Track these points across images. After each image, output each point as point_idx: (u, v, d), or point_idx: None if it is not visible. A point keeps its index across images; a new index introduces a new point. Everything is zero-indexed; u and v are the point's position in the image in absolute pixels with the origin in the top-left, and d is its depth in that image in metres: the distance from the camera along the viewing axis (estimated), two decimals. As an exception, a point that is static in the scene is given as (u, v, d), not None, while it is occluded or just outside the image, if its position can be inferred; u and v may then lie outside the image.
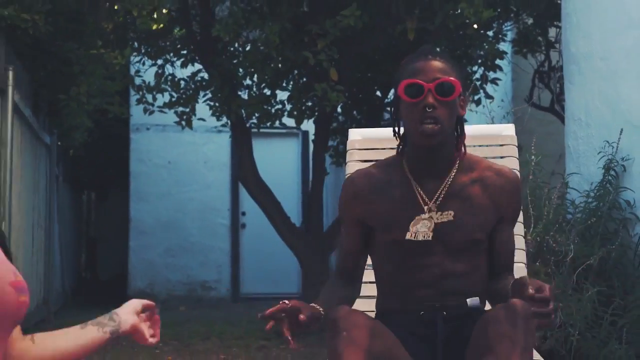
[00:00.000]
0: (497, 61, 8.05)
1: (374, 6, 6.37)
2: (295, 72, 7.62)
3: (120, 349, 6.42)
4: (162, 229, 12.38)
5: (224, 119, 8.22)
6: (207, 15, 7.47)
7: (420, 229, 2.41)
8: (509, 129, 3.92)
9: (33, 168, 8.49)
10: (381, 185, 2.51)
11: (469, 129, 3.83)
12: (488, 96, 7.97)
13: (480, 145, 3.80)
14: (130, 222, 12.43)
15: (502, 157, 3.80)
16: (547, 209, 4.89)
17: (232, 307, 11.29)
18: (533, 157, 4.97)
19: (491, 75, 8.07)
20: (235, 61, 7.68)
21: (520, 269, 3.45)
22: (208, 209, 12.41)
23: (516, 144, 3.88)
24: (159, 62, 8.34)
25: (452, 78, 2.39)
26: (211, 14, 7.51)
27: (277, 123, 8.08)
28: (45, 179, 9.44)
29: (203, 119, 8.44)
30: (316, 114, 7.49)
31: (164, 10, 6.80)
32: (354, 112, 8.84)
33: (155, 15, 6.68)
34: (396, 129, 2.54)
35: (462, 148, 2.51)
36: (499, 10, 7.11)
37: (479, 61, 7.72)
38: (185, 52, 8.26)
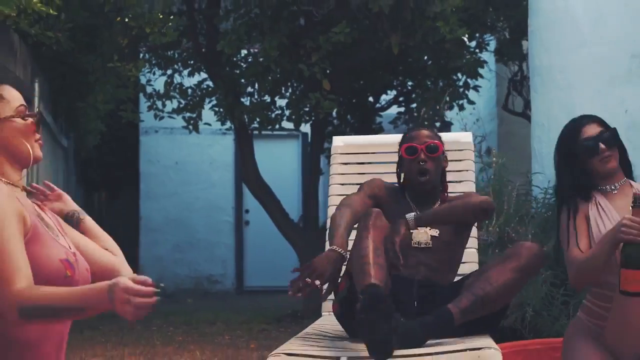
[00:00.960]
0: (480, 70, 8.76)
1: (362, 24, 7.07)
2: (292, 82, 8.31)
3: (136, 331, 7.12)
4: (171, 226, 12.98)
5: (228, 124, 8.93)
6: (212, 30, 8.19)
7: (422, 238, 3.39)
8: (467, 137, 4.68)
9: (53, 169, 9.20)
10: (394, 196, 3.52)
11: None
12: (470, 102, 8.67)
13: (441, 151, 4.55)
14: (140, 219, 13.04)
15: (460, 160, 4.55)
16: (508, 203, 5.60)
17: (237, 299, 11.89)
18: (494, 158, 5.66)
19: (473, 82, 8.77)
20: (237, 71, 8.37)
21: (473, 266, 4.21)
22: (213, 207, 12.96)
23: (472, 149, 4.63)
24: (169, 72, 9.07)
25: (437, 141, 3.53)
26: (216, 29, 8.21)
27: (277, 127, 8.79)
28: (63, 179, 10.15)
29: (209, 124, 9.15)
30: (312, 118, 8.19)
31: (171, 22, 7.53)
32: (348, 117, 9.53)
33: (164, 31, 7.41)
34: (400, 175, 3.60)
35: (446, 189, 3.59)
36: (482, 23, 7.83)
37: (462, 69, 8.39)
38: (192, 62, 8.98)
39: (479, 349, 2.77)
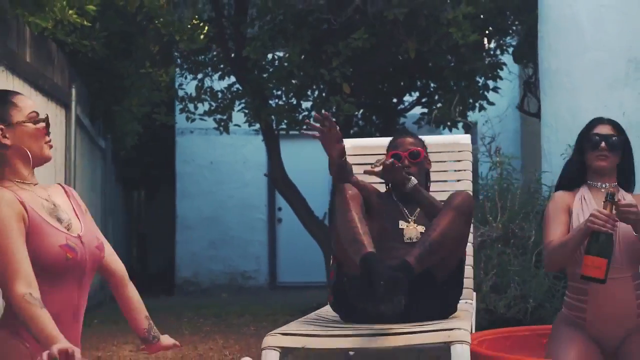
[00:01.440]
0: (501, 71, 9.04)
1: (380, 30, 7.41)
2: (314, 86, 8.68)
3: (168, 322, 7.53)
4: (205, 224, 13.36)
5: (257, 125, 9.33)
6: (239, 36, 8.59)
7: (413, 234, 3.71)
8: (465, 139, 5.00)
9: (91, 169, 9.68)
10: (382, 197, 3.87)
11: (434, 138, 5.06)
12: (489, 103, 8.96)
13: (441, 152, 4.90)
14: (176, 218, 13.44)
15: (459, 161, 4.88)
16: (512, 201, 5.92)
17: (269, 294, 12.20)
18: (497, 157, 5.98)
19: (493, 84, 9.06)
20: (265, 75, 8.76)
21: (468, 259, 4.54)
22: (247, 205, 13.28)
23: (470, 151, 4.95)
24: (199, 76, 9.49)
25: (419, 148, 3.92)
26: (243, 35, 8.60)
27: (304, 128, 9.15)
28: (100, 179, 10.63)
29: (238, 125, 9.55)
30: (334, 119, 8.54)
31: (203, 32, 7.95)
32: (373, 118, 9.87)
33: (194, 37, 7.82)
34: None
35: (428, 189, 3.95)
36: (492, 28, 8.13)
37: (480, 72, 8.68)
38: (222, 67, 9.39)
39: (451, 329, 3.11)
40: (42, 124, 2.74)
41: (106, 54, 7.81)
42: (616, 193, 3.38)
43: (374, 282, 3.19)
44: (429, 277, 3.45)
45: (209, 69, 9.44)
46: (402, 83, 8.99)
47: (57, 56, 7.38)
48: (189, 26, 7.49)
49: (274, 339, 3.18)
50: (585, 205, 3.57)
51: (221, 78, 9.47)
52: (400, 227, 3.72)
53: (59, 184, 2.94)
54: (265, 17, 7.93)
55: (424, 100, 9.68)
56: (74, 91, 7.66)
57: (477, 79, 8.99)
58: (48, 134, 2.76)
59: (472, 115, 10.04)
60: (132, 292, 2.97)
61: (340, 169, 3.72)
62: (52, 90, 7.08)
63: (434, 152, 4.86)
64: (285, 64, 8.01)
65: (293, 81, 8.05)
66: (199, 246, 13.29)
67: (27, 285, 2.49)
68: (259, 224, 13.41)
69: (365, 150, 4.97)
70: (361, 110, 9.54)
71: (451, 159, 4.85)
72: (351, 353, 4.43)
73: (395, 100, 9.78)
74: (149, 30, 8.11)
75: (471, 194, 3.80)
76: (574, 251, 3.41)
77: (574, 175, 3.71)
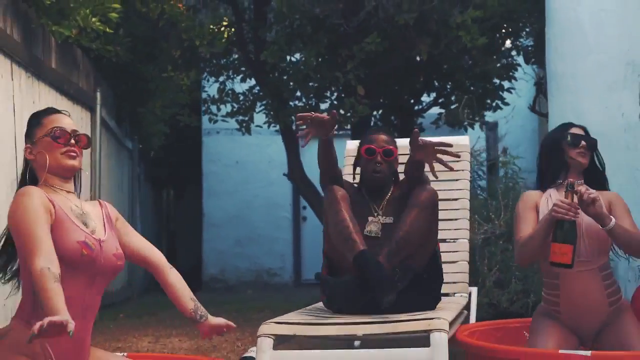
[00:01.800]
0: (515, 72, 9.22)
1: (392, 34, 7.65)
2: (333, 87, 8.93)
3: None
4: (232, 222, 13.64)
5: (277, 126, 9.60)
6: (258, 40, 8.87)
7: (373, 228, 3.92)
8: (464, 140, 5.22)
9: (117, 169, 10.00)
10: (353, 193, 4.04)
11: (433, 139, 5.25)
12: (504, 103, 9.16)
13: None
14: (203, 216, 13.73)
15: (457, 161, 5.09)
16: (515, 199, 6.13)
17: (294, 291, 12.28)
18: (501, 157, 6.19)
19: (508, 84, 9.25)
20: (285, 77, 9.03)
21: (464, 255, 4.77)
22: (272, 203, 13.52)
23: (469, 151, 5.17)
24: (221, 79, 9.78)
25: (392, 147, 4.04)
26: (262, 39, 8.88)
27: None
28: (127, 179, 10.95)
29: (260, 126, 9.84)
30: (351, 120, 8.80)
31: (223, 37, 8.23)
32: (392, 118, 10.09)
33: (215, 42, 8.11)
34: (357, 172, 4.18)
35: (398, 184, 4.11)
36: (504, 31, 8.34)
37: (493, 73, 8.87)
38: (243, 69, 9.68)
39: (431, 318, 3.35)
40: (61, 137, 2.99)
41: (130, 59, 8.11)
42: (576, 182, 3.61)
43: (369, 279, 3.46)
44: (409, 270, 3.69)
45: (231, 71, 9.73)
46: (417, 85, 9.20)
47: (82, 61, 7.69)
48: (209, 31, 7.76)
49: (268, 327, 3.43)
50: (551, 202, 3.79)
51: (243, 80, 9.76)
52: (367, 219, 3.93)
53: (97, 200, 3.22)
54: (284, 22, 8.18)
55: (440, 100, 9.89)
56: (98, 95, 7.96)
57: (493, 79, 9.17)
58: (68, 145, 3.00)
59: (493, 116, 10.25)
60: (173, 277, 3.14)
61: (330, 163, 3.94)
62: (78, 94, 7.40)
63: (432, 153, 5.11)
64: (302, 67, 8.27)
65: (310, 84, 8.29)
66: (225, 244, 13.56)
67: (47, 261, 2.69)
68: (284, 222, 13.64)
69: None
70: (380, 111, 9.78)
71: (449, 159, 5.05)
72: (357, 343, 4.69)
73: (412, 100, 9.99)
74: (171, 36, 8.40)
75: (433, 189, 3.92)
76: (542, 242, 3.62)
77: (558, 173, 3.94)
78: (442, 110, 9.77)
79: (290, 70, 8.66)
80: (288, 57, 8.64)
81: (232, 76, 9.80)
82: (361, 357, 3.40)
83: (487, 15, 7.42)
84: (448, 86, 9.65)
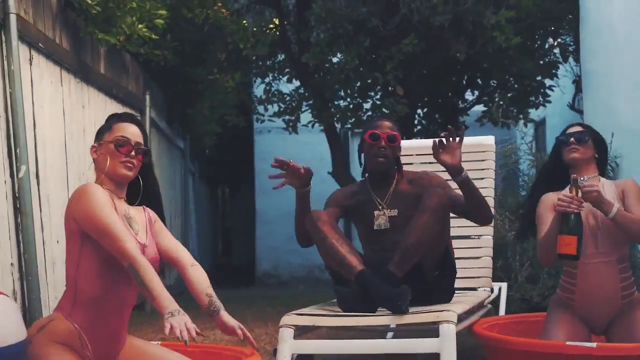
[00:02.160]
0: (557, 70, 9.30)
1: (429, 35, 7.82)
2: (378, 87, 9.13)
3: (233, 307, 8.05)
4: (284, 218, 13.76)
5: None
6: (301, 42, 9.12)
7: (381, 221, 4.04)
8: (489, 140, 5.38)
9: (169, 168, 10.33)
10: (357, 193, 4.23)
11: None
12: (546, 101, 9.25)
13: (466, 152, 5.28)
14: (256, 213, 14.03)
15: (482, 161, 5.26)
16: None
17: None
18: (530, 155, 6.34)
19: (549, 82, 9.34)
20: (329, 77, 9.26)
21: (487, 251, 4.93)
22: (322, 200, 13.44)
23: (494, 151, 5.32)
24: (267, 79, 10.06)
25: (396, 133, 4.14)
26: (305, 41, 9.12)
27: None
28: (180, 176, 11.29)
29: (306, 125, 10.09)
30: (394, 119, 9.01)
31: (267, 40, 8.49)
32: (436, 116, 10.24)
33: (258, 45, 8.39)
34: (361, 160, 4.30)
35: (400, 172, 4.21)
36: (542, 30, 8.45)
37: (532, 71, 8.96)
38: (288, 70, 9.94)
39: (440, 311, 3.56)
40: (123, 146, 3.18)
41: (178, 62, 8.42)
42: (579, 177, 3.77)
43: (374, 299, 3.61)
44: (419, 271, 3.87)
45: (276, 72, 10.00)
46: (459, 84, 9.34)
47: (131, 65, 8.02)
48: (253, 34, 8.03)
49: (290, 319, 3.67)
50: None
51: (289, 81, 10.02)
52: (374, 214, 4.10)
53: (143, 206, 3.36)
54: (325, 24, 8.41)
55: (485, 98, 10.00)
56: (147, 97, 8.28)
57: (536, 77, 9.26)
58: (128, 155, 3.17)
59: (538, 113, 10.33)
60: (193, 273, 3.26)
61: (303, 200, 4.17)
62: (127, 97, 7.72)
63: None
64: (344, 67, 8.48)
65: (351, 83, 8.51)
66: (278, 240, 13.74)
67: (135, 248, 2.97)
68: (335, 219, 13.81)
69: (415, 150, 5.39)
70: (425, 109, 9.94)
71: (475, 159, 5.23)
72: (389, 335, 4.88)
73: (455, 99, 10.12)
74: (217, 39, 8.69)
75: (444, 191, 4.02)
76: (555, 238, 3.79)
77: (550, 174, 4.12)
78: (486, 108, 9.89)
79: (332, 71, 8.88)
80: (331, 58, 8.86)
81: (278, 77, 10.06)
82: (375, 346, 3.61)
83: (522, 16, 7.55)
84: (493, 83, 9.75)
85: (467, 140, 5.46)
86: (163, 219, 3.40)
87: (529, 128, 10.39)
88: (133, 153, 3.18)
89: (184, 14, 7.73)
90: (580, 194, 3.70)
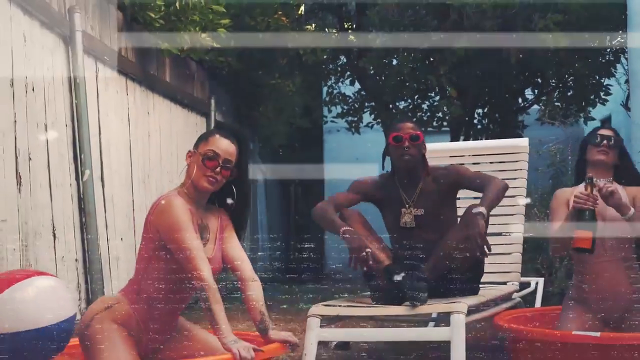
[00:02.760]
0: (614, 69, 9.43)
1: (480, 39, 8.07)
2: (437, 88, 9.42)
3: (287, 302, 8.37)
4: (352, 215, 14.23)
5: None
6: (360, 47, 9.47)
7: (407, 219, 4.35)
8: (523, 142, 5.62)
9: (239, 167, 10.71)
10: (383, 186, 4.50)
11: (493, 142, 5.68)
12: (601, 100, 9.40)
13: (499, 154, 5.56)
14: (326, 210, 14.36)
15: (516, 162, 5.51)
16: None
17: None
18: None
19: (606, 81, 9.48)
20: (386, 80, 9.57)
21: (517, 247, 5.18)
22: None
23: (527, 152, 5.55)
24: (330, 82, 10.45)
25: (418, 132, 4.40)
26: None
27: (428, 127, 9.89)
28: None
29: (368, 126, 10.44)
30: (447, 118, 9.29)
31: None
32: (496, 115, 10.45)
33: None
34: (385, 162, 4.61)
35: (426, 171, 4.45)
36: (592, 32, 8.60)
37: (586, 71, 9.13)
38: (349, 73, 10.31)
39: (452, 302, 3.87)
40: (209, 161, 3.32)
41: (242, 68, 8.82)
42: (594, 177, 3.99)
43: (399, 291, 3.93)
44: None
45: (338, 75, 10.38)
46: (514, 84, 9.55)
47: (196, 71, 8.47)
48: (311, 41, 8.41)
49: (317, 309, 4.03)
50: None
51: (351, 84, 10.38)
52: (400, 211, 4.38)
53: (220, 211, 3.50)
54: (382, 29, 8.72)
55: (543, 98, 10.18)
56: (212, 102, 8.72)
57: (594, 76, 9.40)
58: (213, 171, 3.31)
59: (602, 111, 10.44)
60: (252, 290, 3.37)
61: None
62: (192, 102, 8.17)
63: (494, 154, 5.58)
64: (401, 70, 8.79)
65: (407, 84, 8.82)
66: (346, 237, 14.10)
67: (209, 275, 3.17)
68: (402, 216, 14.05)
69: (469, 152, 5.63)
70: (485, 109, 10.17)
71: (509, 160, 5.48)
72: (431, 324, 5.14)
73: (513, 98, 10.32)
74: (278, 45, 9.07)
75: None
76: (570, 232, 4.03)
77: (581, 172, 4.34)
78: (543, 107, 10.05)
79: (389, 75, 9.19)
80: (389, 62, 9.17)
81: (340, 80, 10.43)
82: (391, 334, 3.95)
83: (572, 19, 7.74)
84: (552, 82, 9.91)
85: (501, 142, 5.79)
86: (245, 225, 3.58)
87: (589, 126, 10.49)
88: (218, 169, 3.30)
89: (247, 22, 8.12)
90: (594, 192, 3.93)
